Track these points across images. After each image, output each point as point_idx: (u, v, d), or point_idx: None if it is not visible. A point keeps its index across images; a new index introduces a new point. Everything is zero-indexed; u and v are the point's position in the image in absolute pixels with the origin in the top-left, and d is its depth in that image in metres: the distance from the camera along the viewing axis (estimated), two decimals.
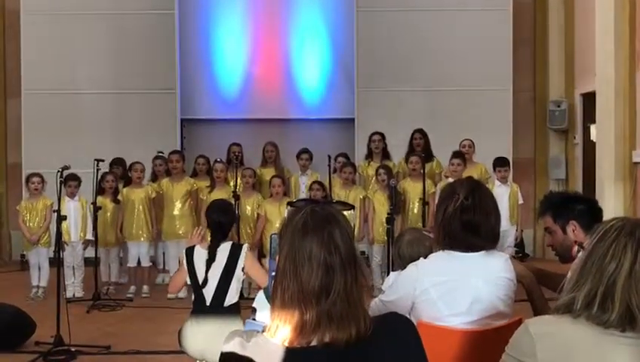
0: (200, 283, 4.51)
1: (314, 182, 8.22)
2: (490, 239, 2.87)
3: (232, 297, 4.53)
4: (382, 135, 8.99)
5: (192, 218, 8.47)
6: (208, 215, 4.76)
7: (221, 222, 4.65)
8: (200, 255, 4.58)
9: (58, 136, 10.13)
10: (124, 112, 10.32)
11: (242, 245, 4.76)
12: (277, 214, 8.07)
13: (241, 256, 4.58)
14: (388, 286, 3.10)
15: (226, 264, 4.54)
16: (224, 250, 4.59)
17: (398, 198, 7.71)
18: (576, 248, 2.98)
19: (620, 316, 1.73)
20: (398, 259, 3.69)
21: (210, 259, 4.53)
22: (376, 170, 8.37)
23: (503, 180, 8.40)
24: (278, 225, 8.01)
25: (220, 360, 1.85)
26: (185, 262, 4.60)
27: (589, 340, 1.74)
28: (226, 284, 4.51)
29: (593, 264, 1.79)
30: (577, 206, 3.19)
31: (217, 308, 4.48)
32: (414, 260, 2.99)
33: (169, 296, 8.02)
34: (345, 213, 1.99)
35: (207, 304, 4.51)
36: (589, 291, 1.77)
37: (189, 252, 4.63)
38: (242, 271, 4.58)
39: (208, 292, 4.52)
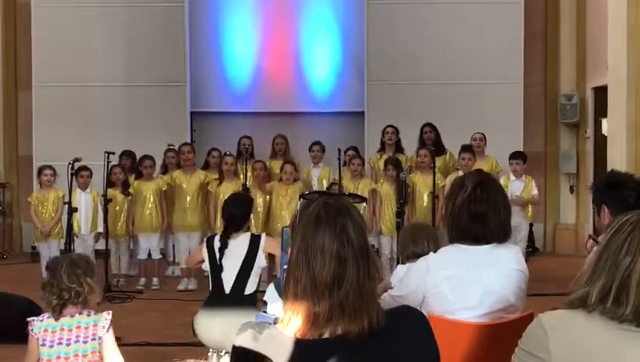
0: (218, 265, 4.65)
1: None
2: (500, 232, 2.86)
3: (251, 286, 4.64)
4: (395, 128, 8.96)
5: (204, 210, 8.48)
6: (223, 207, 4.99)
7: (233, 214, 4.79)
8: (217, 242, 4.74)
9: (69, 128, 10.16)
10: (135, 105, 10.34)
11: (261, 234, 4.91)
12: (285, 198, 8.15)
13: (261, 244, 4.71)
14: (398, 281, 3.10)
15: (246, 253, 4.66)
16: (244, 240, 4.72)
17: (406, 191, 7.70)
18: (590, 241, 2.97)
19: (634, 310, 1.72)
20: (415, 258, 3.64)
21: (223, 247, 4.66)
22: (385, 163, 8.37)
23: (516, 173, 8.36)
24: (285, 207, 8.07)
25: (231, 353, 1.85)
26: (206, 249, 4.74)
27: (604, 335, 1.73)
28: (246, 273, 4.62)
29: (608, 258, 1.77)
30: (615, 193, 3.18)
31: (237, 296, 4.58)
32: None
33: (179, 287, 8.07)
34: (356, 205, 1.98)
35: (227, 292, 4.60)
36: (603, 285, 1.76)
37: (210, 241, 4.79)
38: (265, 257, 4.71)
39: (228, 281, 4.61)
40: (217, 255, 4.66)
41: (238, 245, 4.69)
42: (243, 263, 4.63)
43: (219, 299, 4.60)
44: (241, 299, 4.57)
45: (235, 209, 4.82)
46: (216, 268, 4.65)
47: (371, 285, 1.82)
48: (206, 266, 4.74)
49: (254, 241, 4.71)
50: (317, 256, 1.78)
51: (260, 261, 4.68)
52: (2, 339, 5.97)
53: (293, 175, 8.30)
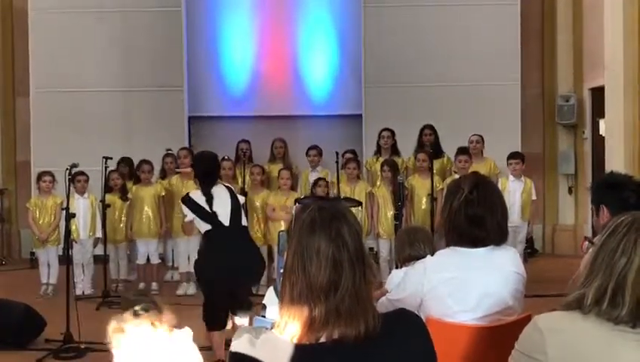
0: (211, 213, 5.30)
1: (319, 179, 8.25)
2: (497, 234, 2.86)
3: (244, 219, 5.55)
4: (392, 131, 8.97)
5: None
6: (196, 165, 5.75)
7: (210, 171, 5.53)
8: (198, 197, 5.39)
9: (67, 134, 10.13)
10: (133, 110, 10.33)
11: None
12: (283, 206, 8.10)
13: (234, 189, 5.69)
14: (395, 285, 3.10)
15: (230, 196, 5.44)
16: (220, 188, 5.47)
17: (403, 194, 7.69)
18: (586, 243, 2.97)
19: (630, 312, 1.72)
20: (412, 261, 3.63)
21: (210, 199, 5.34)
22: (381, 166, 8.36)
23: (515, 173, 8.34)
24: (283, 214, 8.06)
25: (228, 358, 1.85)
26: (186, 206, 5.38)
27: (600, 336, 1.73)
28: (238, 209, 5.43)
29: (603, 259, 1.78)
30: (615, 193, 3.17)
31: (236, 227, 5.38)
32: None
33: (178, 292, 8.05)
34: (352, 209, 1.99)
35: (227, 224, 5.31)
36: (599, 287, 1.76)
37: (186, 198, 5.44)
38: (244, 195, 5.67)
39: (224, 218, 5.32)
40: (207, 206, 5.30)
41: (218, 192, 5.41)
42: (232, 202, 5.39)
43: (222, 232, 5.29)
44: (241, 229, 5.42)
45: (210, 167, 5.57)
46: (208, 214, 5.29)
47: (367, 289, 1.81)
48: (190, 217, 5.35)
49: (231, 190, 5.55)
50: (313, 260, 1.78)
51: (241, 199, 5.63)
52: (1, 345, 5.98)
53: (290, 180, 8.30)
